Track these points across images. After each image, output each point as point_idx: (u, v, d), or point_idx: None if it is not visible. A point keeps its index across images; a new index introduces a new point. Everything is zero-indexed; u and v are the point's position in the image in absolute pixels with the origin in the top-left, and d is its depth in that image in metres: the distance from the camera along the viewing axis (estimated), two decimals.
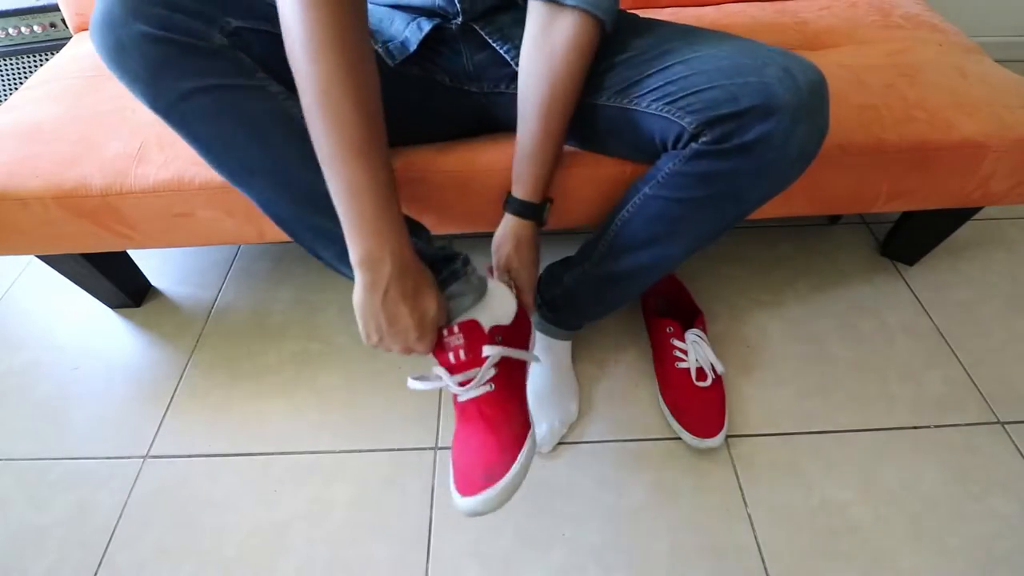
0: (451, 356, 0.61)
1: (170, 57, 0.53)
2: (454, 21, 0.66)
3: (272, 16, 0.54)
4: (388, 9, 0.69)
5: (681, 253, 0.72)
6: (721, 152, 0.57)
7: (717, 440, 0.80)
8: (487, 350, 0.61)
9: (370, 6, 0.68)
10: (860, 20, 0.97)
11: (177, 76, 0.54)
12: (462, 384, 0.62)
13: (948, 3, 1.20)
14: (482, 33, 0.67)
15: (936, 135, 0.76)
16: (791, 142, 0.55)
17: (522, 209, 0.69)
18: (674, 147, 0.62)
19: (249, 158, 0.59)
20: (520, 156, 0.67)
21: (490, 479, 0.57)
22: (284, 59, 0.53)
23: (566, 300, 0.82)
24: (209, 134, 0.58)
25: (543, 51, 0.61)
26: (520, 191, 0.69)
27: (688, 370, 0.85)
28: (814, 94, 0.55)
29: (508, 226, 0.71)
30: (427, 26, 0.66)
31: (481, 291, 0.65)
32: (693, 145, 0.59)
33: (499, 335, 0.63)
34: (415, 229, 0.69)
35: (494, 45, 0.68)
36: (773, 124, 0.54)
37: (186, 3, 0.54)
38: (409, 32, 0.67)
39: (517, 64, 0.67)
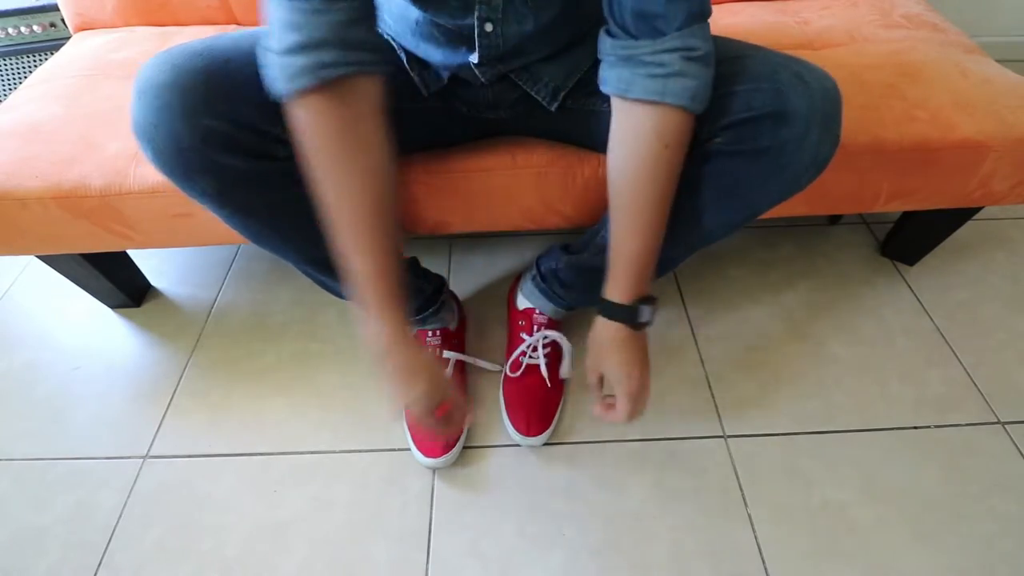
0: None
1: (237, 177, 0.56)
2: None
3: None
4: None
5: (680, 254, 0.71)
6: (733, 154, 0.57)
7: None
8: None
9: (395, 42, 0.65)
10: (860, 20, 0.97)
11: (244, 193, 0.58)
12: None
13: (948, 3, 1.20)
14: (510, 76, 0.65)
15: (937, 135, 0.75)
16: (804, 149, 0.54)
17: (606, 308, 0.64)
18: None
19: (292, 243, 0.66)
20: (611, 253, 0.62)
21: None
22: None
23: (555, 277, 0.83)
24: (261, 228, 0.63)
25: (627, 146, 0.57)
26: (607, 290, 0.63)
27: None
28: (827, 100, 0.54)
29: (595, 327, 0.66)
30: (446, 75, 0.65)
31: (453, 310, 0.90)
32: (705, 147, 0.58)
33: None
34: (408, 264, 0.77)
35: (525, 87, 0.66)
36: (788, 130, 0.53)
37: (250, 117, 0.53)
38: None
39: (543, 95, 0.66)
